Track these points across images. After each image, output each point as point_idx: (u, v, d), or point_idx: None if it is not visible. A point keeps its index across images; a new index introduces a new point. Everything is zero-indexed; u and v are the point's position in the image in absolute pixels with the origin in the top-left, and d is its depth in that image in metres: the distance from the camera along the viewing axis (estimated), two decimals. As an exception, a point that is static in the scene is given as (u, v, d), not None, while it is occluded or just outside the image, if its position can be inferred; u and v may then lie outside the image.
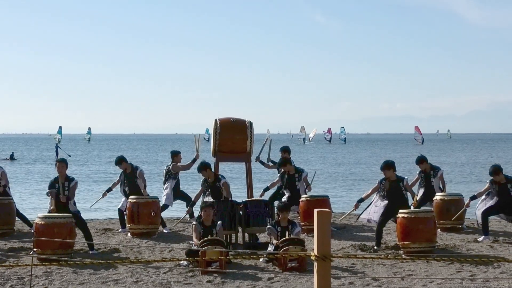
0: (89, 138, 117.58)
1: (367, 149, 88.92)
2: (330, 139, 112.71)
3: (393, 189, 12.10)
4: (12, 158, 56.97)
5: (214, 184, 12.95)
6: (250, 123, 15.18)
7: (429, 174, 14.37)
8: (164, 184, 15.30)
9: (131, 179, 14.10)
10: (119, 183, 14.30)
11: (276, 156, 16.31)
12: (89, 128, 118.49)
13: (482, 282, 9.36)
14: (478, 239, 12.76)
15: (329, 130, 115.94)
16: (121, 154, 15.01)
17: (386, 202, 12.12)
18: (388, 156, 48.23)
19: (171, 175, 15.31)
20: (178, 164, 15.58)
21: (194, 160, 15.54)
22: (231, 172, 35.70)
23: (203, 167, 13.04)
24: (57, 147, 66.15)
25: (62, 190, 11.83)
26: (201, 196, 13.18)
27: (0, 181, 13.62)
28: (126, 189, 14.09)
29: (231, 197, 12.82)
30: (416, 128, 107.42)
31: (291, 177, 14.14)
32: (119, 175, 14.48)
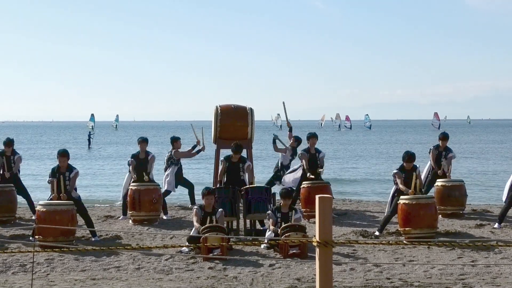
0: (116, 126, 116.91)
1: (407, 135, 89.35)
2: (351, 126, 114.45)
3: (407, 179, 12.06)
4: None
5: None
6: (251, 109, 15.17)
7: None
8: (166, 170, 15.30)
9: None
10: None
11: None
12: (117, 116, 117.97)
13: (483, 268, 9.38)
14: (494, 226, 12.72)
15: (347, 118, 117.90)
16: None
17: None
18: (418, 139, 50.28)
19: (173, 161, 15.31)
20: (180, 150, 15.57)
21: (198, 151, 15.56)
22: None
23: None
24: (89, 135, 63.06)
25: (63, 180, 11.56)
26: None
27: (13, 167, 13.89)
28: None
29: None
30: (435, 114, 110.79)
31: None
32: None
